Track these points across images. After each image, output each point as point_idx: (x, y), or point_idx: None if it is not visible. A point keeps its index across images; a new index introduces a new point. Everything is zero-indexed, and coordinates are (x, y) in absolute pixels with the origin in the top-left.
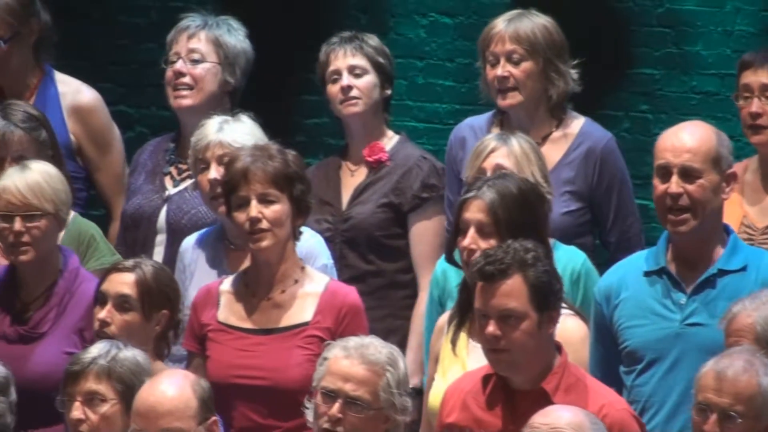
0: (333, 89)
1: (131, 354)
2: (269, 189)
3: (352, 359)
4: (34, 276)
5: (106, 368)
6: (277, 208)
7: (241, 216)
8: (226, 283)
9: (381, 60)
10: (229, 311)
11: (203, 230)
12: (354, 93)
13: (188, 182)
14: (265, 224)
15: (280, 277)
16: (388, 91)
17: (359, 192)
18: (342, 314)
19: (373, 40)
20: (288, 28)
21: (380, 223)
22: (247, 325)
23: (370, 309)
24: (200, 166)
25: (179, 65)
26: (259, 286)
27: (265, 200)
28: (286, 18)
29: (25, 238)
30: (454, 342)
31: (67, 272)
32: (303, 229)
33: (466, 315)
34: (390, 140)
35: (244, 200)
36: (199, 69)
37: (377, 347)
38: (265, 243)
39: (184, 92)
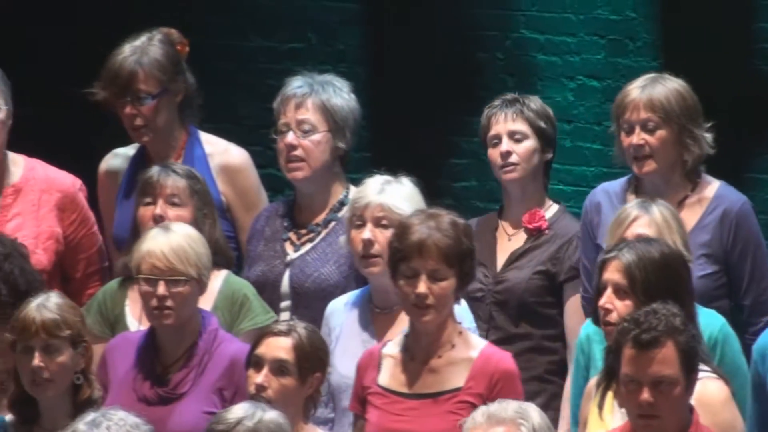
0: (493, 154)
1: (274, 417)
2: (440, 266)
3: (481, 426)
4: (174, 339)
5: (252, 430)
6: (445, 285)
7: (407, 288)
8: (389, 347)
9: (542, 124)
10: (388, 375)
11: (350, 294)
12: (513, 159)
13: (308, 246)
14: (431, 300)
15: (439, 343)
16: (549, 155)
17: (516, 257)
18: (494, 380)
19: (535, 102)
20: (437, 92)
21: (534, 290)
22: (404, 389)
23: None
24: (356, 223)
25: (290, 138)
26: (417, 351)
27: (434, 277)
28: (436, 82)
29: (168, 303)
30: (600, 406)
31: (206, 333)
32: None
33: (612, 379)
34: (549, 209)
35: (414, 273)
36: (310, 141)
37: (503, 406)
38: (427, 318)
39: (297, 164)
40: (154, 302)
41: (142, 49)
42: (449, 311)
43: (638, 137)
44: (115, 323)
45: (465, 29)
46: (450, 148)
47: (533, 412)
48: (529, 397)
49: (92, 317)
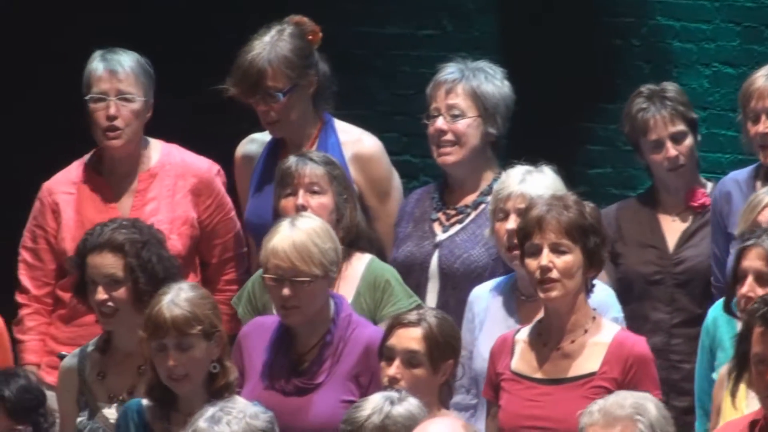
0: (657, 158)
1: (405, 409)
2: (562, 239)
3: (598, 423)
4: (307, 329)
5: (380, 427)
6: (569, 259)
7: (532, 263)
8: (522, 333)
9: (693, 115)
10: (522, 360)
11: (496, 280)
12: (681, 161)
13: (457, 227)
14: (555, 274)
15: (571, 327)
16: (699, 137)
17: (689, 236)
18: (629, 365)
19: (675, 92)
20: (573, 79)
21: None
22: (537, 374)
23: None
24: (499, 215)
25: (440, 123)
26: (550, 336)
27: (557, 250)
28: (572, 69)
29: (294, 302)
30: (733, 394)
31: (339, 320)
32: (596, 282)
33: (745, 366)
34: (706, 184)
35: (537, 248)
36: (460, 125)
37: (619, 401)
38: (554, 293)
39: (448, 149)
40: (279, 301)
41: (271, 45)
42: (578, 290)
43: (764, 125)
44: (263, 311)
45: (601, 16)
46: (585, 135)
47: (651, 406)
48: None
49: (243, 306)
